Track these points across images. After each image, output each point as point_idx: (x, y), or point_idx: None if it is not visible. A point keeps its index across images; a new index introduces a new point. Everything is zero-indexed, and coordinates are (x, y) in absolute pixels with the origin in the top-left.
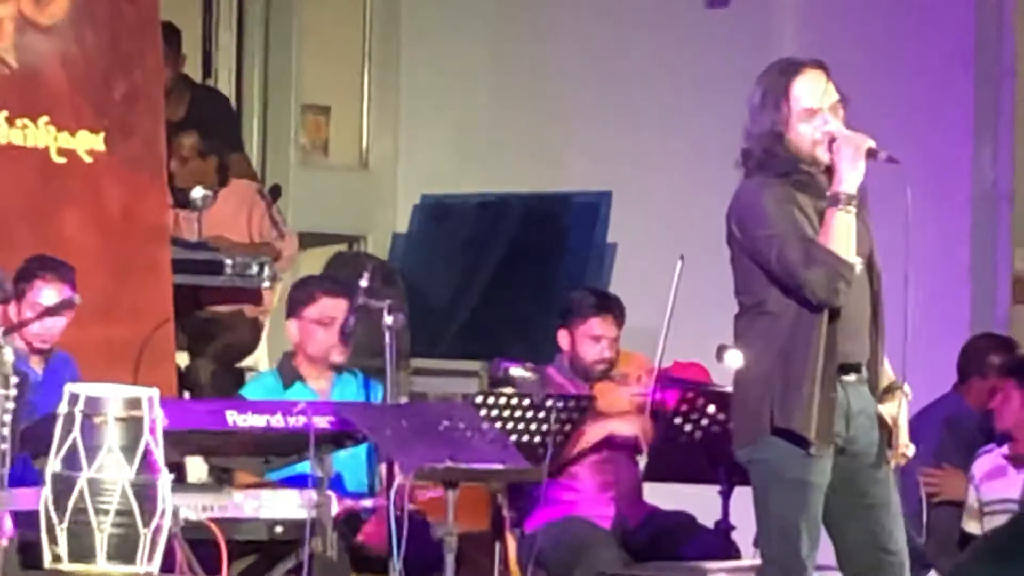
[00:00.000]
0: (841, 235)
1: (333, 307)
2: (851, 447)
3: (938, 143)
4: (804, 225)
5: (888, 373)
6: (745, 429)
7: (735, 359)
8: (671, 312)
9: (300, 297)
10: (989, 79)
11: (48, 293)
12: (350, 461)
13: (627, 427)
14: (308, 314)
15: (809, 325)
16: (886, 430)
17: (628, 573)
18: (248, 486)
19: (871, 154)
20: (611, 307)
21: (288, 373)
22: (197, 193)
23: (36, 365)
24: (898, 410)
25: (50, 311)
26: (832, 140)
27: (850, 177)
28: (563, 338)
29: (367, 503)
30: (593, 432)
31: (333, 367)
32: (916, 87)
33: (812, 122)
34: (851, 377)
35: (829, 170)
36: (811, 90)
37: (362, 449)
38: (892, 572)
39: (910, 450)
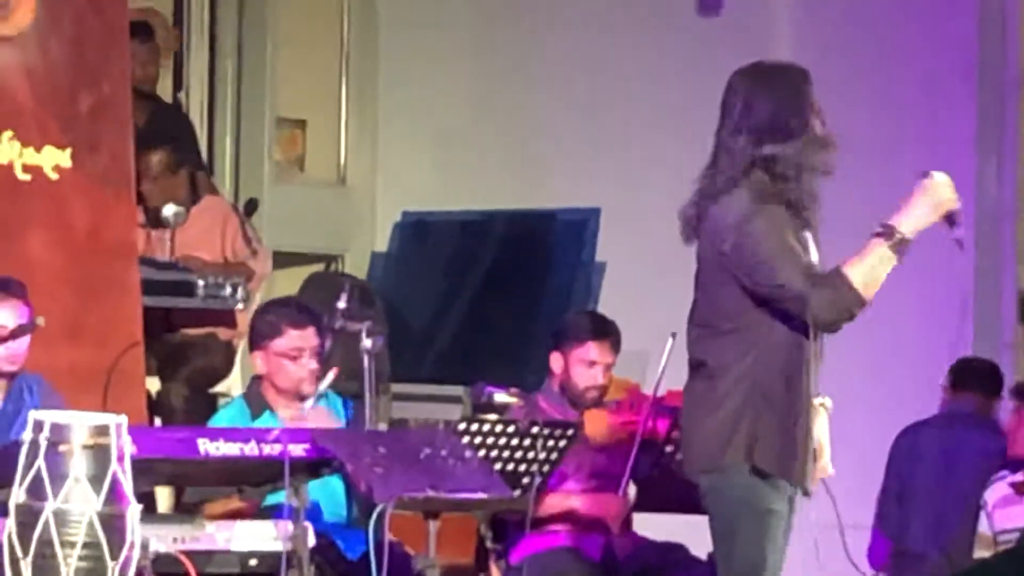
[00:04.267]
0: (874, 268)
1: (301, 338)
2: None
3: (939, 157)
4: (800, 252)
5: None
6: (710, 454)
7: None
8: (659, 382)
9: (265, 329)
10: (993, 91)
11: (2, 313)
12: (326, 490)
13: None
14: (275, 347)
15: (795, 361)
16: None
17: None
18: (220, 516)
19: (949, 219)
20: (609, 333)
21: (256, 401)
22: (169, 211)
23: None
24: (822, 428)
25: (17, 332)
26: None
27: (916, 221)
28: (555, 361)
29: None
30: (551, 504)
31: (302, 398)
32: (917, 99)
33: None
34: None
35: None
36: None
37: (339, 477)
38: None
39: (830, 468)
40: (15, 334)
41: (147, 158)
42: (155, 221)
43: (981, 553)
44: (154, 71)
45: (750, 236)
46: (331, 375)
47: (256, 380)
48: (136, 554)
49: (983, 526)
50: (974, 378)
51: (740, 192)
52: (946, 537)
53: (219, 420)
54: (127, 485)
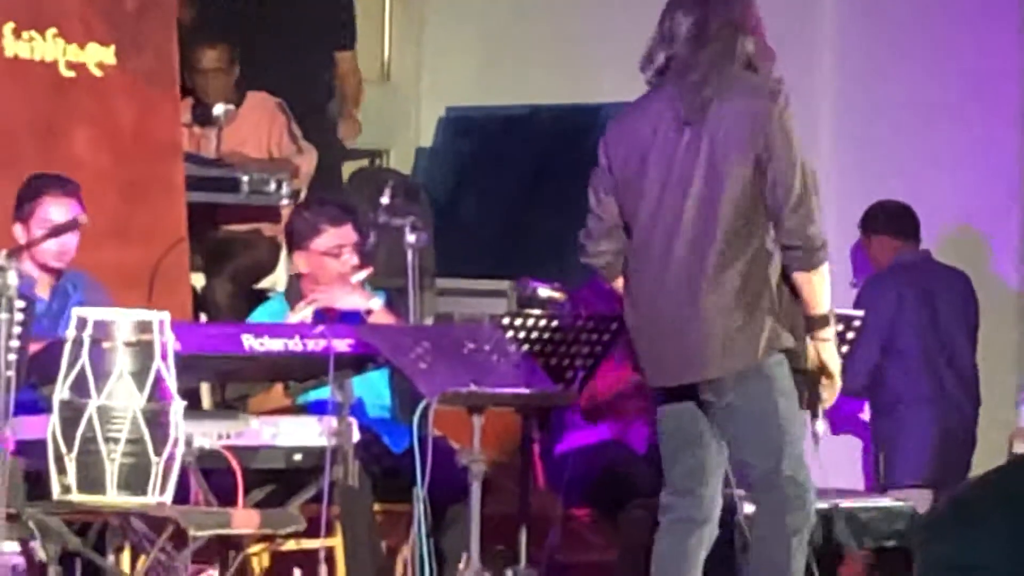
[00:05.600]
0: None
1: (340, 235)
2: None
3: (983, 54)
4: None
5: None
6: (752, 348)
7: None
8: None
9: (303, 229)
10: None
11: (56, 210)
12: (369, 385)
13: None
14: (316, 246)
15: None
16: None
17: None
18: (270, 412)
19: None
20: None
21: (295, 298)
22: (219, 109)
23: (43, 289)
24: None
25: (60, 229)
26: None
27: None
28: None
29: None
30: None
31: None
32: (962, 33)
33: None
34: None
35: None
36: None
37: (382, 373)
38: None
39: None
40: (57, 231)
41: (201, 54)
42: (203, 118)
43: (1020, 445)
44: None
45: (793, 134)
46: (364, 274)
47: (295, 277)
48: (180, 450)
49: (1022, 419)
50: (913, 224)
51: (759, 86)
52: (937, 386)
53: (259, 316)
54: (171, 381)
